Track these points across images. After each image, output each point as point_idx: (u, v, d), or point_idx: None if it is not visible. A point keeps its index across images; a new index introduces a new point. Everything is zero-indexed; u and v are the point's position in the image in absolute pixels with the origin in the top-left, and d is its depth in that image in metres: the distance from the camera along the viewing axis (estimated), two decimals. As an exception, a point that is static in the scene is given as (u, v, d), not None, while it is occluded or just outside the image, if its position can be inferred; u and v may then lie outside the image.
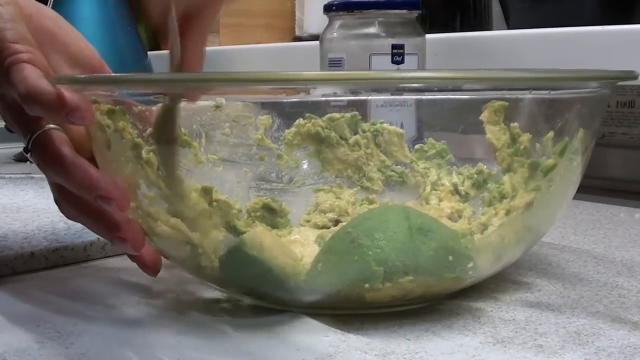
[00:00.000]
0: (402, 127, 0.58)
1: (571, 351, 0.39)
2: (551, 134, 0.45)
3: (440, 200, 0.53)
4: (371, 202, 0.55)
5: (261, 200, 0.53)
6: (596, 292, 0.48)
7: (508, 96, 0.49)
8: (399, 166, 0.57)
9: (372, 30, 0.77)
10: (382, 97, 0.65)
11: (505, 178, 0.48)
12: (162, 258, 0.47)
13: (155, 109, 0.44)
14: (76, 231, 0.59)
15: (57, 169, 0.45)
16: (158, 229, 0.43)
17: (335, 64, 0.78)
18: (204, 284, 0.48)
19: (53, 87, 0.42)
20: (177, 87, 0.44)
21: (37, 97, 0.43)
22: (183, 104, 0.48)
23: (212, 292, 0.48)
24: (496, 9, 0.94)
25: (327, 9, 0.79)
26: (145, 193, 0.44)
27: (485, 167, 0.53)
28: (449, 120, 0.54)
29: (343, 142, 0.56)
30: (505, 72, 0.44)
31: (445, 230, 0.43)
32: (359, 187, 0.57)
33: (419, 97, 0.57)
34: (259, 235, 0.42)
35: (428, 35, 0.79)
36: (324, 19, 0.81)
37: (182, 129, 0.50)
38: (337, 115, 0.55)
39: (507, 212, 0.45)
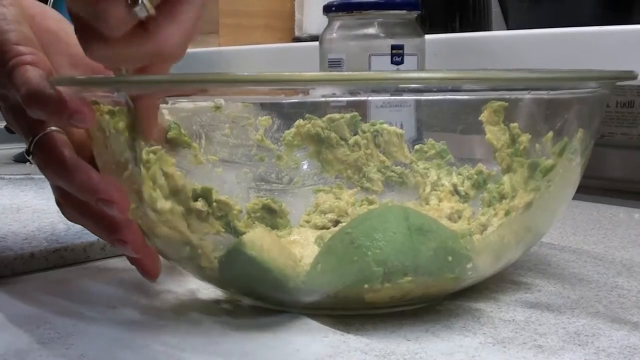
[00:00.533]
0: (401, 127, 0.58)
1: (571, 352, 0.39)
2: (551, 134, 0.45)
3: (440, 200, 0.53)
4: (371, 202, 0.55)
5: (261, 200, 0.53)
6: (596, 292, 0.49)
7: (507, 96, 0.49)
8: (398, 167, 0.57)
9: (371, 30, 0.77)
10: (382, 97, 0.65)
11: (505, 178, 0.48)
12: (162, 259, 0.48)
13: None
14: (76, 232, 0.59)
15: (59, 172, 0.45)
16: (157, 230, 0.43)
17: (335, 64, 0.78)
18: (203, 285, 0.48)
19: (55, 90, 0.42)
20: (176, 88, 0.44)
21: (39, 100, 0.43)
22: (182, 105, 0.49)
23: (212, 293, 0.48)
24: (495, 10, 0.94)
25: (327, 9, 0.79)
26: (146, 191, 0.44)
27: (484, 167, 0.53)
28: (448, 120, 0.54)
29: (343, 142, 0.56)
30: (505, 73, 0.44)
31: (444, 231, 0.43)
32: (358, 187, 0.57)
33: (419, 97, 0.57)
34: (259, 236, 0.42)
35: (427, 36, 0.79)
36: (324, 20, 0.81)
37: (182, 130, 0.50)
38: (336, 115, 0.55)
39: (507, 213, 0.45)
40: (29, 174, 0.91)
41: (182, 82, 0.41)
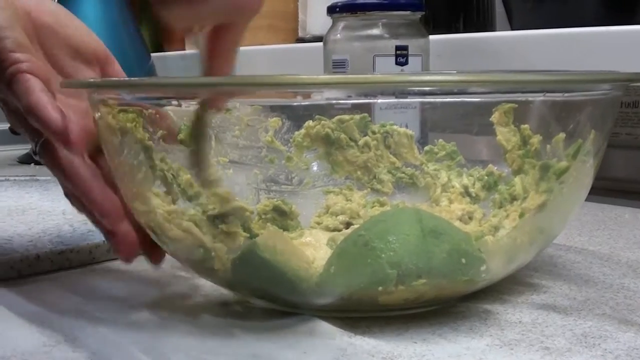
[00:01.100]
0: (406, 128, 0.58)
1: (578, 354, 0.39)
2: (562, 135, 0.45)
3: (451, 202, 0.53)
4: (382, 204, 0.55)
5: (272, 202, 0.53)
6: (602, 293, 0.48)
7: (518, 98, 0.49)
8: (409, 168, 0.57)
9: (375, 31, 0.77)
10: (388, 100, 0.65)
11: (516, 180, 0.48)
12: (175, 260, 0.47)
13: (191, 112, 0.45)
14: (82, 234, 0.59)
15: (62, 175, 0.47)
16: (170, 233, 0.43)
17: (339, 65, 0.78)
18: (213, 286, 0.48)
19: (52, 106, 0.43)
20: (185, 92, 0.44)
21: (38, 118, 0.44)
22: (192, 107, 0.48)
23: (222, 294, 0.48)
24: (499, 10, 0.94)
25: (331, 10, 0.79)
26: (159, 194, 0.44)
27: (495, 168, 0.53)
28: (454, 122, 0.54)
29: (353, 143, 0.56)
30: (518, 75, 0.44)
31: (457, 233, 0.43)
32: (369, 189, 0.56)
33: (424, 99, 0.57)
34: (272, 238, 0.42)
35: (431, 37, 0.79)
36: (328, 21, 0.81)
37: None
38: (346, 117, 0.55)
39: (521, 215, 0.45)
40: (34, 176, 0.91)
41: (190, 86, 0.41)
